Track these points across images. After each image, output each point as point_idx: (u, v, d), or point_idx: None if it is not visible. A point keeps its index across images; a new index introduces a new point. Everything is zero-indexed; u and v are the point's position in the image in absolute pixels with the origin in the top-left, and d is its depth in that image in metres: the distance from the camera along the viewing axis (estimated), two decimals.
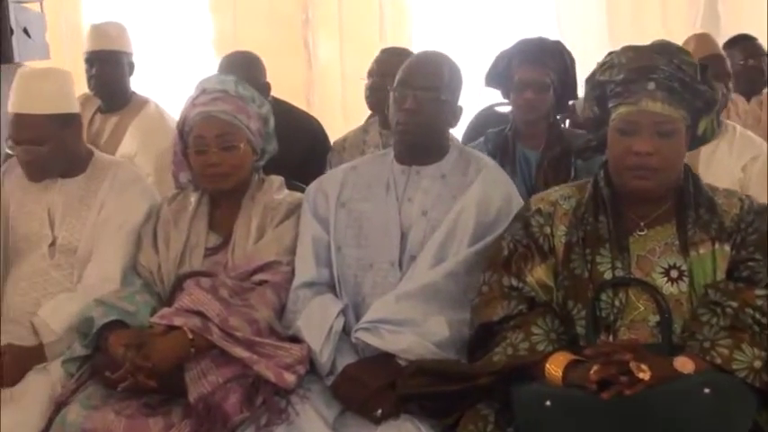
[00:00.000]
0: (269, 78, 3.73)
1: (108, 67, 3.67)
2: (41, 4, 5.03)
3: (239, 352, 2.31)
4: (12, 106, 2.64)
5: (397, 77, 2.53)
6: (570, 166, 3.33)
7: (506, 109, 3.92)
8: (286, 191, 2.70)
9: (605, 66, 2.24)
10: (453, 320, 2.33)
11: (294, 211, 2.61)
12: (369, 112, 4.46)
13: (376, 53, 3.80)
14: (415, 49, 4.13)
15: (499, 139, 3.38)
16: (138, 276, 2.60)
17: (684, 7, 5.31)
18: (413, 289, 2.36)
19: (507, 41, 3.34)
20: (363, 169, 2.60)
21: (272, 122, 2.70)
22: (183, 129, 2.64)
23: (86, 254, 2.65)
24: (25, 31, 4.65)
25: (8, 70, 4.71)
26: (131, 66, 3.79)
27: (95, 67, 3.63)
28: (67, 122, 2.67)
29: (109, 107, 3.72)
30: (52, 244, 2.67)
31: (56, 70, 2.77)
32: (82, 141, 2.80)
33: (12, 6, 4.48)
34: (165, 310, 2.39)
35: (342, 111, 6.05)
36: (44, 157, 2.63)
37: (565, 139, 3.34)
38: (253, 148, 2.62)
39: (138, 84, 3.96)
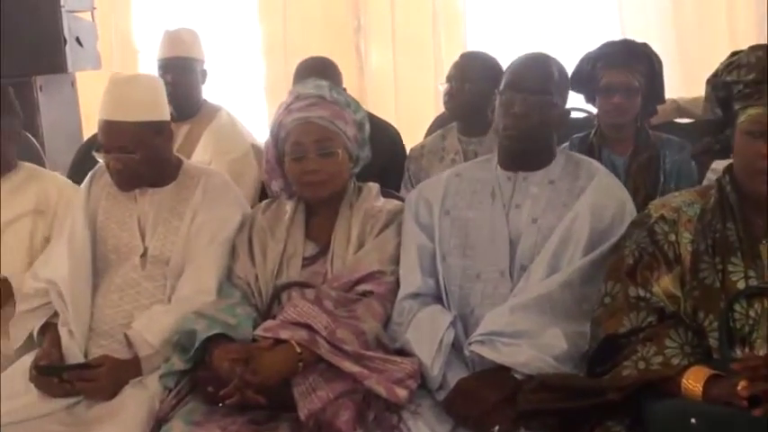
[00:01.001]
0: None
1: (183, 74, 3.60)
2: (93, 14, 5.00)
3: (348, 366, 2.22)
4: (102, 113, 2.56)
5: (504, 80, 2.44)
6: (659, 170, 3.25)
7: (579, 114, 3.83)
8: (382, 198, 2.61)
9: (731, 66, 2.14)
10: (569, 332, 2.23)
11: (394, 219, 2.52)
12: (425, 119, 4.39)
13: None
14: None
15: (584, 145, 3.29)
16: (235, 288, 2.51)
17: (752, 9, 5.19)
18: (527, 300, 2.27)
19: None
20: (467, 176, 2.52)
21: (367, 128, 2.62)
22: (277, 135, 2.55)
23: (179, 265, 2.57)
24: (78, 40, 4.62)
25: (61, 80, 4.70)
26: (204, 73, 3.73)
27: (170, 74, 3.56)
28: (159, 130, 2.60)
29: (181, 115, 3.61)
30: (143, 255, 2.59)
31: (147, 77, 2.70)
32: (172, 149, 2.72)
33: (65, 16, 4.45)
34: (270, 323, 2.31)
35: (395, 117, 5.95)
36: (135, 166, 2.56)
37: (653, 143, 3.26)
38: (349, 155, 2.54)
39: None
